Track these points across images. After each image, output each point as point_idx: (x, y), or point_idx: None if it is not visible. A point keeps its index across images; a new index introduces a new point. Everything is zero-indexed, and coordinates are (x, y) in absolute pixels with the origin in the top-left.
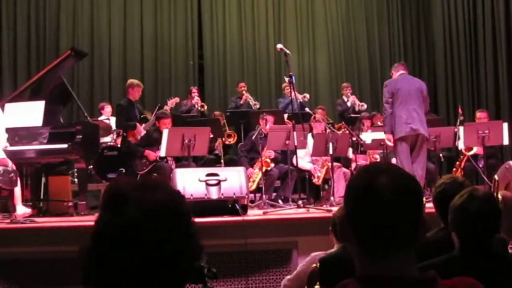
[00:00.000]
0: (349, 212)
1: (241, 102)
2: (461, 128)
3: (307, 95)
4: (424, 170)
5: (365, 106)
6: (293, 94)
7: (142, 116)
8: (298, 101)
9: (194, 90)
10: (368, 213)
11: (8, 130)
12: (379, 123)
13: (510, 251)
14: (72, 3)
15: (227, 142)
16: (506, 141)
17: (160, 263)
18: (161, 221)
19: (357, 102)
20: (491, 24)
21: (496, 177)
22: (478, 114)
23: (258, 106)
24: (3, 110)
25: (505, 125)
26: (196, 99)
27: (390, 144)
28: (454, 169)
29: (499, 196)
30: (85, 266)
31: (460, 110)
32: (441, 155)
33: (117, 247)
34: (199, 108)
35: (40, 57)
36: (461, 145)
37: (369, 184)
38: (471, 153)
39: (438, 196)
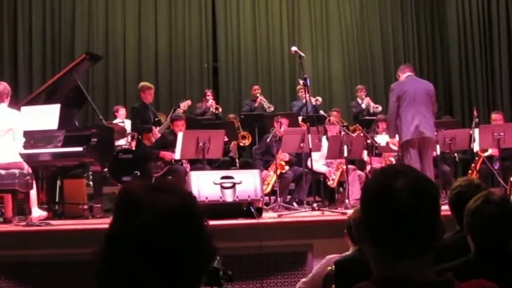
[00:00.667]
0: (365, 215)
1: (256, 105)
2: (476, 130)
3: (320, 99)
4: (432, 173)
5: (380, 108)
6: (307, 96)
7: (156, 119)
8: (311, 104)
9: (209, 93)
10: (384, 216)
11: (24, 133)
12: None
13: None
14: (87, 8)
15: (241, 144)
16: None
17: (173, 265)
18: (174, 224)
19: (372, 104)
20: (506, 24)
21: (511, 179)
22: (494, 115)
23: (272, 109)
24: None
25: None
26: (210, 101)
27: (395, 148)
28: (470, 171)
29: None
30: (99, 269)
31: (475, 112)
32: (456, 156)
33: (130, 250)
34: (214, 110)
35: (55, 61)
36: (476, 147)
37: (385, 186)
38: (486, 154)
39: (454, 199)
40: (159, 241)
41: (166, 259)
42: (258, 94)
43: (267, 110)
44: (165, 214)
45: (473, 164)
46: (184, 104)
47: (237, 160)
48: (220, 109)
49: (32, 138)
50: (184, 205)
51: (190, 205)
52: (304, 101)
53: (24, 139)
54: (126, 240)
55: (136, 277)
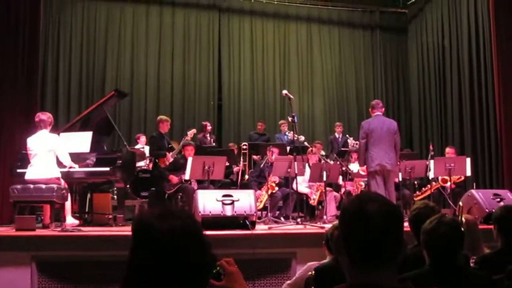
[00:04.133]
0: (343, 232)
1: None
2: (432, 162)
3: (302, 137)
4: (394, 196)
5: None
6: (293, 134)
7: (169, 146)
8: (294, 138)
9: (209, 125)
10: (358, 234)
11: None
12: None
13: (471, 265)
14: (116, 53)
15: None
16: (468, 173)
17: (182, 276)
18: (178, 246)
19: (353, 142)
20: (457, 75)
21: (460, 203)
22: (448, 149)
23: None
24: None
25: (468, 160)
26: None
27: (364, 173)
28: (418, 192)
29: (463, 219)
30: (124, 284)
31: (431, 147)
32: (415, 182)
33: (147, 270)
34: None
35: (89, 96)
36: (431, 175)
37: (360, 209)
38: (447, 184)
39: (413, 218)
40: (168, 260)
41: (176, 272)
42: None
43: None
44: (170, 238)
45: (427, 187)
46: (191, 133)
47: (238, 182)
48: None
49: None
50: (185, 228)
51: (191, 227)
52: (285, 133)
53: (68, 156)
54: (142, 262)
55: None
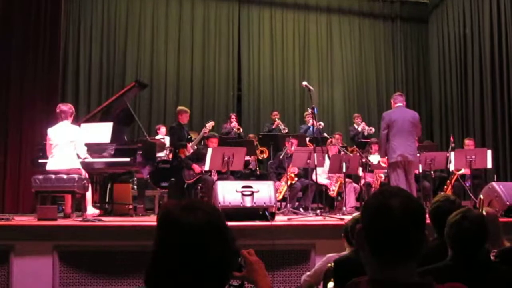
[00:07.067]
0: (365, 227)
1: (273, 126)
2: (452, 154)
3: (322, 123)
4: (415, 188)
5: (373, 130)
6: (315, 122)
7: (189, 137)
8: (316, 128)
9: (233, 116)
10: (381, 229)
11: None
12: None
13: (492, 258)
14: (136, 44)
15: (260, 157)
16: (489, 165)
17: (205, 269)
18: (203, 237)
19: (366, 127)
20: (478, 65)
21: (481, 196)
22: (466, 141)
23: (286, 130)
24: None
25: (489, 152)
26: (234, 123)
27: (385, 165)
28: (445, 186)
29: (483, 212)
30: (148, 274)
31: (452, 138)
32: (433, 174)
33: (171, 261)
34: (236, 131)
35: (109, 87)
36: (452, 167)
37: (382, 205)
38: (460, 172)
39: (433, 212)
40: (193, 252)
41: (200, 264)
42: (276, 119)
43: (282, 132)
44: (196, 231)
45: (448, 181)
46: (209, 125)
47: (257, 169)
48: (241, 130)
49: (89, 149)
50: (210, 221)
51: (216, 220)
52: (309, 124)
53: (86, 148)
54: (168, 253)
55: (176, 280)
